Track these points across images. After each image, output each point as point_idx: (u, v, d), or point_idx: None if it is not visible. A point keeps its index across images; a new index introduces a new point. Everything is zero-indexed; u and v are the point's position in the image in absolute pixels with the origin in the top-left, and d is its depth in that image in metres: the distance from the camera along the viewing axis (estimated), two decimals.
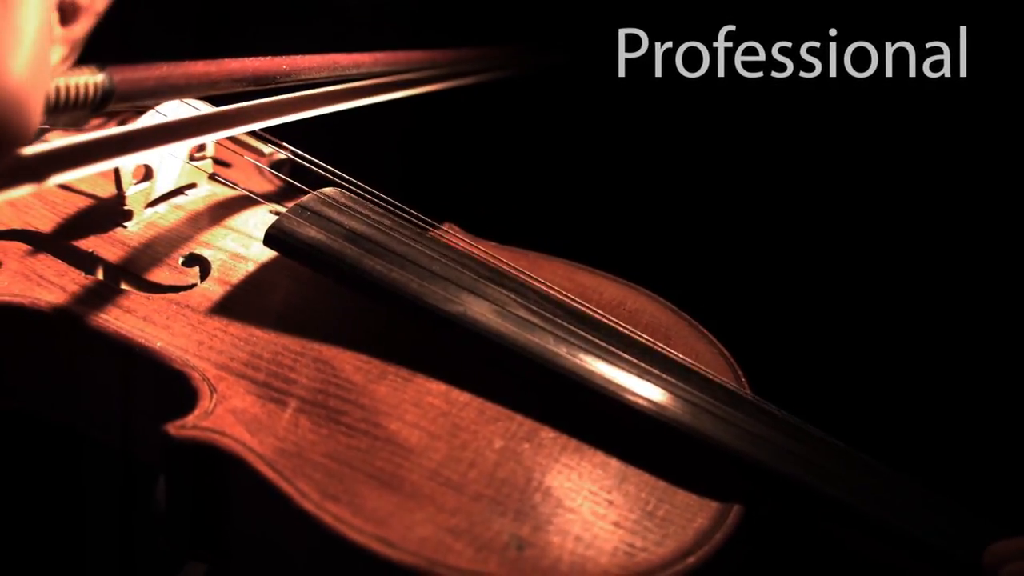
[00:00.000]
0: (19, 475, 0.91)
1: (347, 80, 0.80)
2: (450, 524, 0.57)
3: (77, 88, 0.55)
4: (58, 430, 0.79)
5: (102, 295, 0.72)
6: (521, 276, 0.77)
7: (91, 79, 0.56)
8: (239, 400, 0.64)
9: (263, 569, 0.64)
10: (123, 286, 0.75)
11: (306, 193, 0.77)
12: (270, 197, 0.87)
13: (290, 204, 0.76)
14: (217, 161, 0.93)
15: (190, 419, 0.62)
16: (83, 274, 0.75)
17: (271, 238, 0.72)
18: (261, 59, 0.72)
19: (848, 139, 0.98)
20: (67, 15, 0.55)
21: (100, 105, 0.57)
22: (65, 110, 0.55)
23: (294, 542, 0.59)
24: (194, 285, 0.75)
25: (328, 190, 0.78)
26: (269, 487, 0.58)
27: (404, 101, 0.85)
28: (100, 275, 0.77)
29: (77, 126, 0.93)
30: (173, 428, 0.61)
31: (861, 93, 0.92)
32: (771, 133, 1.00)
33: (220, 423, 0.62)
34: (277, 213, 0.77)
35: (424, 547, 0.55)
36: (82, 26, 0.57)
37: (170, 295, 0.74)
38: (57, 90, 0.54)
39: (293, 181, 0.84)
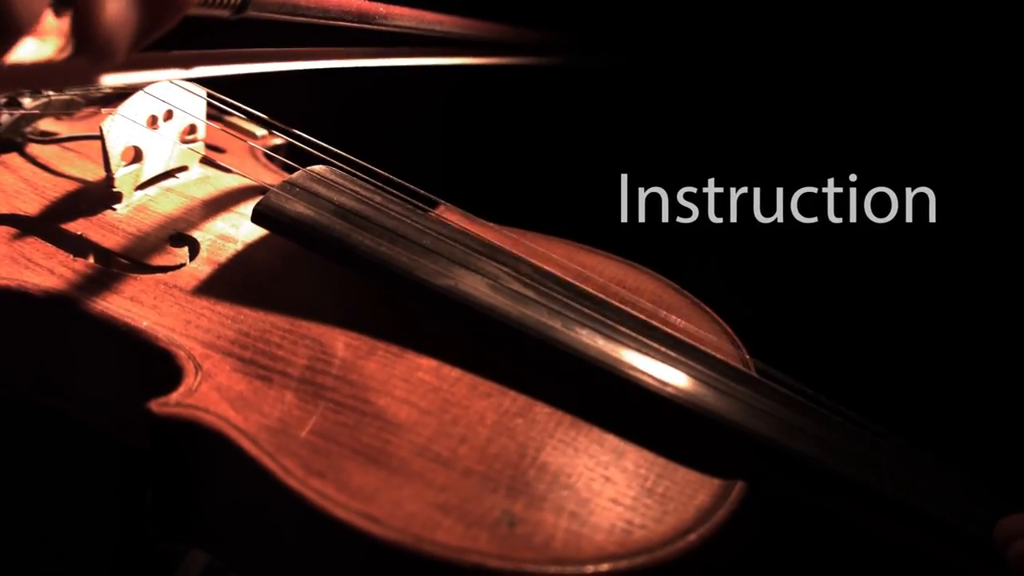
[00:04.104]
0: (11, 464, 0.90)
1: (427, 35, 0.89)
2: (439, 500, 0.55)
3: None
4: (48, 417, 0.78)
5: (90, 277, 0.71)
6: (516, 251, 0.75)
7: None
8: (225, 378, 0.63)
9: (253, 549, 0.62)
10: (112, 268, 0.73)
11: None
12: (263, 180, 0.86)
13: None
14: (210, 147, 0.91)
15: (173, 396, 0.60)
16: (71, 256, 0.73)
17: (259, 215, 0.71)
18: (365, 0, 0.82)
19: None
20: (62, 7, 0.54)
21: (239, 9, 0.64)
22: (212, 6, 0.61)
23: (281, 521, 0.58)
24: (182, 265, 0.74)
25: (317, 167, 0.76)
26: (252, 464, 0.56)
27: (408, 83, 0.86)
28: (90, 258, 0.75)
29: (69, 111, 0.93)
30: (156, 405, 0.60)
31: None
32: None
33: (204, 400, 0.60)
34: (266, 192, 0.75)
35: (411, 523, 0.53)
36: None
37: (158, 275, 0.72)
38: None
39: (289, 162, 0.82)
